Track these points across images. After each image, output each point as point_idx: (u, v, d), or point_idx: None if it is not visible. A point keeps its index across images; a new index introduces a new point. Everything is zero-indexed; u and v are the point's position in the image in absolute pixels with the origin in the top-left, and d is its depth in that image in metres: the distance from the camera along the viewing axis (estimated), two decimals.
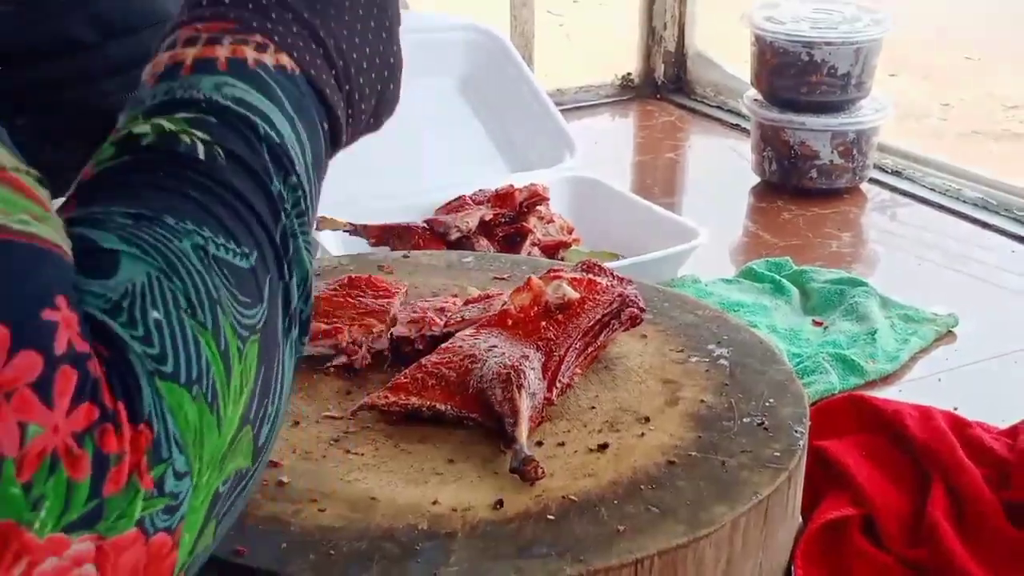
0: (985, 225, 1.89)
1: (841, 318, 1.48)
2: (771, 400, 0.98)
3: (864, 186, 2.02)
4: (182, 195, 0.57)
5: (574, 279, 1.04)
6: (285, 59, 0.64)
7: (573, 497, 0.85)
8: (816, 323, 1.49)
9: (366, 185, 1.64)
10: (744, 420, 0.96)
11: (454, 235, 1.54)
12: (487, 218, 1.57)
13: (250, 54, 0.63)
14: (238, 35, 0.64)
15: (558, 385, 0.96)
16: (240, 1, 0.65)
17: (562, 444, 0.92)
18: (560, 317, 1.00)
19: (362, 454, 0.90)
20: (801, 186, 1.99)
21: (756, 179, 2.07)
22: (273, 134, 0.61)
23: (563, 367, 0.98)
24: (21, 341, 0.47)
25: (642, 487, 0.86)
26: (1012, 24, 4.09)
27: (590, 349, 1.01)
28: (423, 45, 1.99)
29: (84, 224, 0.55)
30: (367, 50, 0.70)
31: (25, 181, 0.50)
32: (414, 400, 0.94)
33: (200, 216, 0.57)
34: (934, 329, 1.47)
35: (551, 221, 1.62)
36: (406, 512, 0.82)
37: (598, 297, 1.02)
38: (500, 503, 0.84)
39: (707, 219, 1.74)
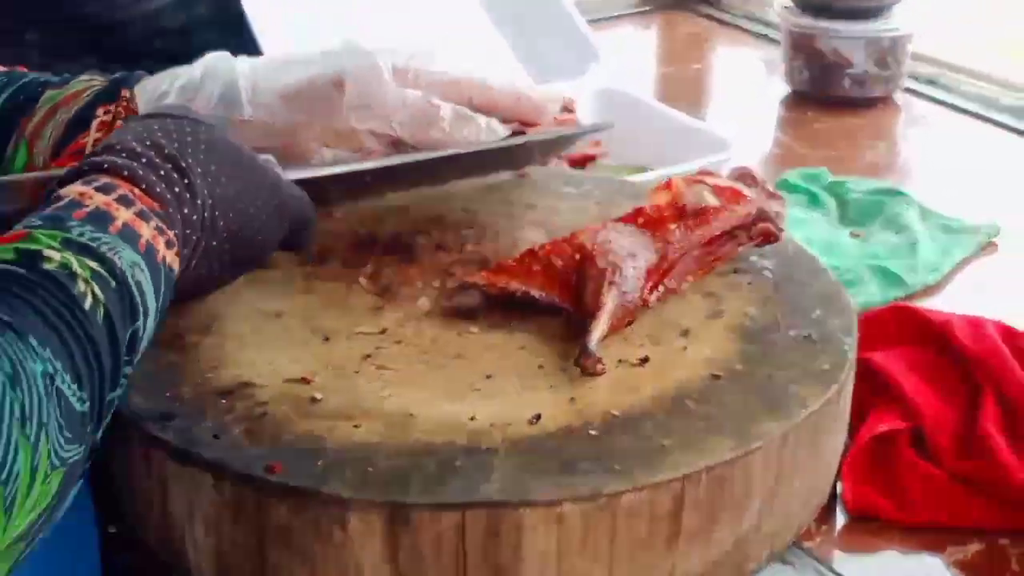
0: (1022, 133, 1.84)
1: (880, 229, 1.44)
2: (818, 312, 0.95)
3: (898, 95, 1.97)
4: (54, 329, 0.64)
5: (718, 186, 1.00)
6: (172, 257, 0.76)
7: (615, 412, 0.82)
8: (854, 234, 1.45)
9: None
10: (791, 333, 0.92)
11: None
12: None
13: (162, 250, 0.74)
14: (160, 222, 0.76)
15: (660, 289, 0.94)
16: (159, 190, 0.77)
17: (604, 358, 0.89)
18: (691, 222, 0.97)
19: (397, 370, 0.87)
20: (834, 96, 1.94)
21: (786, 90, 2.02)
22: (140, 326, 0.71)
23: (673, 271, 0.94)
24: None
25: (687, 401, 0.84)
26: None
27: (710, 258, 0.98)
28: None
29: None
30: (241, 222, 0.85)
31: None
32: (513, 284, 0.93)
33: (59, 353, 0.64)
34: (976, 239, 1.43)
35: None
36: (444, 428, 0.80)
37: (736, 207, 0.99)
38: (539, 417, 0.81)
39: (737, 130, 1.69)
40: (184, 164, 0.79)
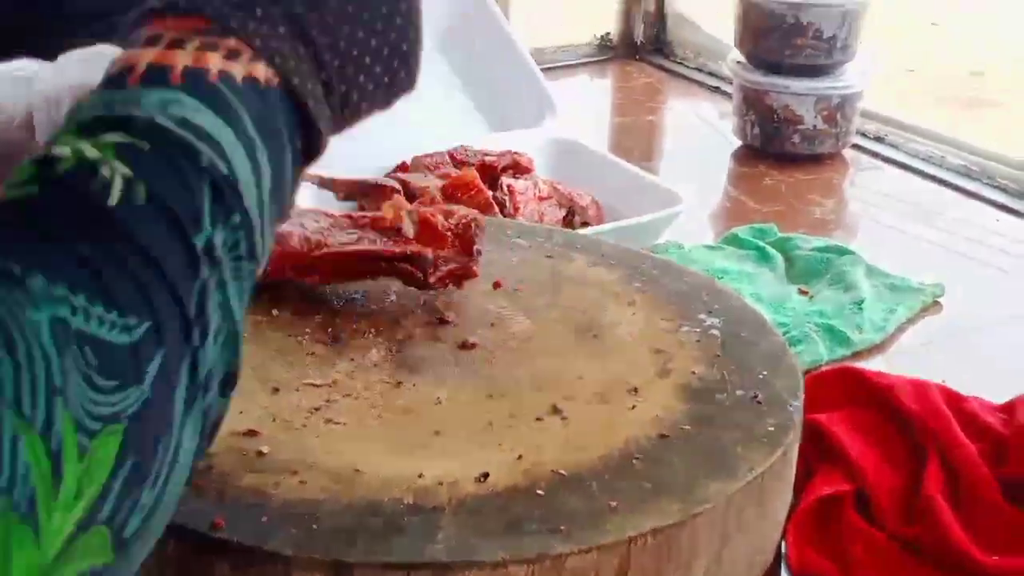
0: (968, 193, 1.87)
1: (827, 287, 1.46)
2: (764, 372, 0.96)
3: (847, 152, 2.00)
4: (70, 251, 0.50)
5: (428, 220, 1.04)
6: (260, 69, 0.57)
7: (563, 471, 0.82)
8: (801, 291, 1.46)
9: (341, 140, 1.60)
10: (737, 393, 0.93)
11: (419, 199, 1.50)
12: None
13: (215, 64, 0.56)
14: (208, 37, 0.57)
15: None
16: (219, 15, 0.58)
17: (552, 413, 0.89)
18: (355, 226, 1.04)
19: (344, 424, 0.86)
20: (783, 151, 1.96)
21: (737, 143, 2.04)
22: (220, 164, 0.54)
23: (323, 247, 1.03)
24: None
25: (634, 461, 0.84)
26: None
27: (350, 261, 1.03)
28: None
29: None
30: (372, 42, 0.63)
31: None
32: None
33: (81, 279, 0.49)
34: (920, 299, 1.45)
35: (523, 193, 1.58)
36: (391, 485, 0.79)
37: (397, 243, 1.03)
38: (486, 476, 0.81)
39: (688, 183, 1.71)
40: None
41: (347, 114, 0.64)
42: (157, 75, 0.55)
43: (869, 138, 2.07)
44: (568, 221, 1.58)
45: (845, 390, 1.07)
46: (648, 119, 2.23)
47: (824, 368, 1.17)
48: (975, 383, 1.22)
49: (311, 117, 0.60)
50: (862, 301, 1.40)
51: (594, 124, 2.19)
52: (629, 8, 2.60)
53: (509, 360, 0.97)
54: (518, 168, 1.61)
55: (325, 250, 1.02)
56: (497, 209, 1.47)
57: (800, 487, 0.97)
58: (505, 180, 1.53)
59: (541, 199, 1.53)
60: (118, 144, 0.52)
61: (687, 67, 2.48)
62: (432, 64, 1.98)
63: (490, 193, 1.48)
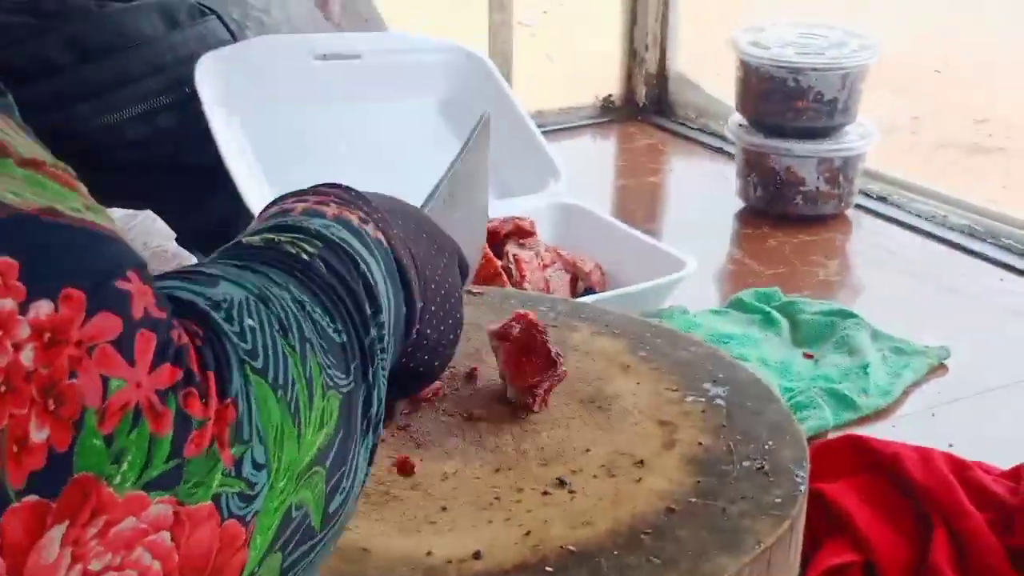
0: (972, 253, 1.87)
1: (832, 351, 1.46)
2: (770, 443, 0.96)
3: (850, 212, 2.01)
4: (286, 272, 0.60)
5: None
6: (382, 237, 0.68)
7: (571, 547, 0.82)
8: (807, 355, 1.47)
9: None
10: (743, 464, 0.93)
11: None
12: None
13: (354, 218, 0.67)
14: (344, 205, 0.69)
15: None
16: (352, 195, 0.70)
17: (559, 487, 0.89)
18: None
19: None
20: (786, 212, 1.97)
21: (740, 204, 2.05)
22: (369, 275, 0.64)
23: None
24: (97, 304, 0.47)
25: (642, 536, 0.84)
26: (981, 37, 4.10)
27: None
28: (405, 67, 1.97)
29: (187, 271, 0.58)
30: (442, 294, 0.75)
31: (67, 175, 0.51)
32: None
33: (301, 287, 0.60)
34: (926, 362, 1.46)
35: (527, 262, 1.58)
36: (399, 564, 0.79)
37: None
38: (495, 553, 0.81)
39: (691, 245, 1.72)
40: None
41: (420, 328, 0.73)
42: (315, 213, 0.67)
43: (872, 198, 2.08)
44: (572, 286, 1.59)
45: (851, 459, 1.08)
46: (651, 180, 2.25)
47: (830, 435, 1.17)
48: (981, 449, 1.22)
49: (413, 292, 0.70)
50: (867, 365, 1.40)
51: (597, 187, 2.21)
52: (631, 70, 2.63)
53: (515, 432, 0.97)
54: (521, 233, 1.62)
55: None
56: (505, 278, 1.47)
57: (807, 557, 0.97)
58: (511, 249, 1.54)
59: (545, 266, 1.54)
60: (298, 237, 0.64)
61: (689, 127, 2.50)
62: (435, 130, 2.01)
63: (499, 263, 1.49)
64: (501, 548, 0.81)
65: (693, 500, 0.88)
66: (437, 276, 0.76)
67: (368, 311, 0.63)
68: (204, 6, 1.82)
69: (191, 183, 1.60)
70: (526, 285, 1.48)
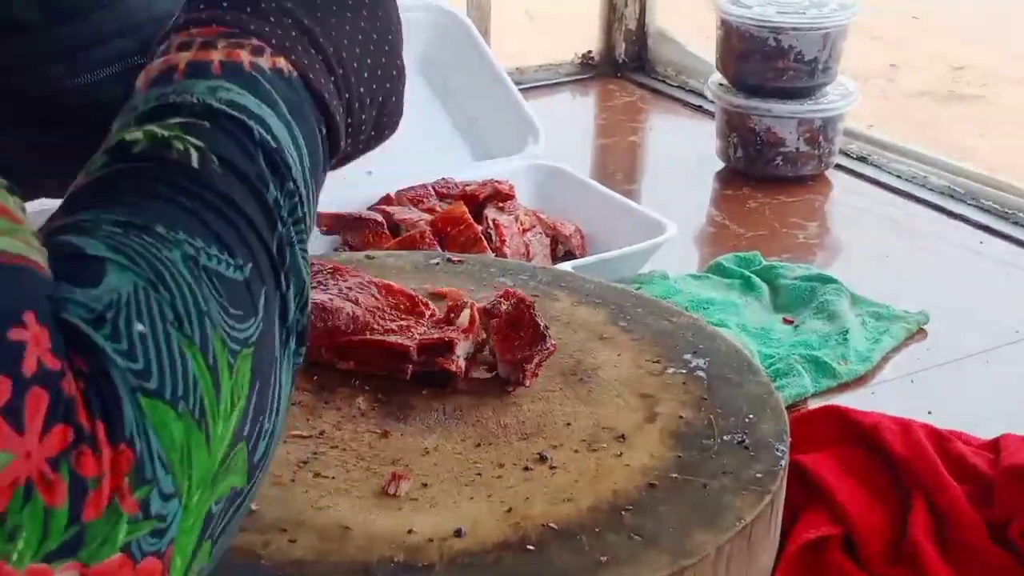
0: (951, 214, 1.87)
1: (812, 316, 1.46)
2: (751, 416, 0.96)
3: (829, 173, 2.00)
4: (174, 204, 0.56)
5: (488, 314, 1.01)
6: (282, 62, 0.63)
7: (553, 525, 0.82)
8: (786, 321, 1.47)
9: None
10: (724, 438, 0.93)
11: (405, 233, 1.50)
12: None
13: (245, 57, 0.62)
14: (233, 39, 0.62)
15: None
16: (237, 4, 0.64)
17: (540, 462, 0.89)
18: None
19: (332, 478, 0.86)
20: (766, 173, 1.97)
21: (720, 164, 2.05)
22: (269, 138, 0.60)
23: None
24: None
25: (623, 513, 0.84)
26: None
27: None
28: None
29: (70, 231, 0.54)
30: (368, 61, 0.68)
31: None
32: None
33: (192, 226, 0.55)
34: (905, 327, 1.46)
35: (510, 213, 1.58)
36: (381, 543, 0.79)
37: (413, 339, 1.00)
38: (477, 531, 0.81)
39: (671, 207, 1.71)
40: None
41: (351, 124, 0.68)
42: (199, 69, 0.61)
43: (852, 158, 2.08)
44: (553, 250, 1.59)
45: (830, 430, 1.08)
46: (631, 139, 2.24)
47: (810, 403, 1.17)
48: (960, 416, 1.23)
49: (329, 109, 0.65)
50: (847, 331, 1.41)
51: (578, 146, 2.19)
52: (610, 26, 2.60)
53: (496, 406, 0.97)
54: (500, 196, 1.61)
55: (365, 336, 0.99)
56: (485, 243, 1.47)
57: (786, 529, 0.97)
58: (490, 214, 1.53)
59: (525, 231, 1.53)
60: (182, 123, 0.58)
61: (669, 85, 2.49)
62: (413, 89, 1.99)
63: (478, 228, 1.48)
64: (483, 525, 0.81)
65: (674, 476, 0.88)
66: (358, 47, 0.68)
67: (272, 195, 0.58)
68: None
69: None
70: (506, 250, 1.48)
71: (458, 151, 1.86)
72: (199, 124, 0.58)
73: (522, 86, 2.31)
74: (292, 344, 0.60)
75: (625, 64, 2.58)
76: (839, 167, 2.02)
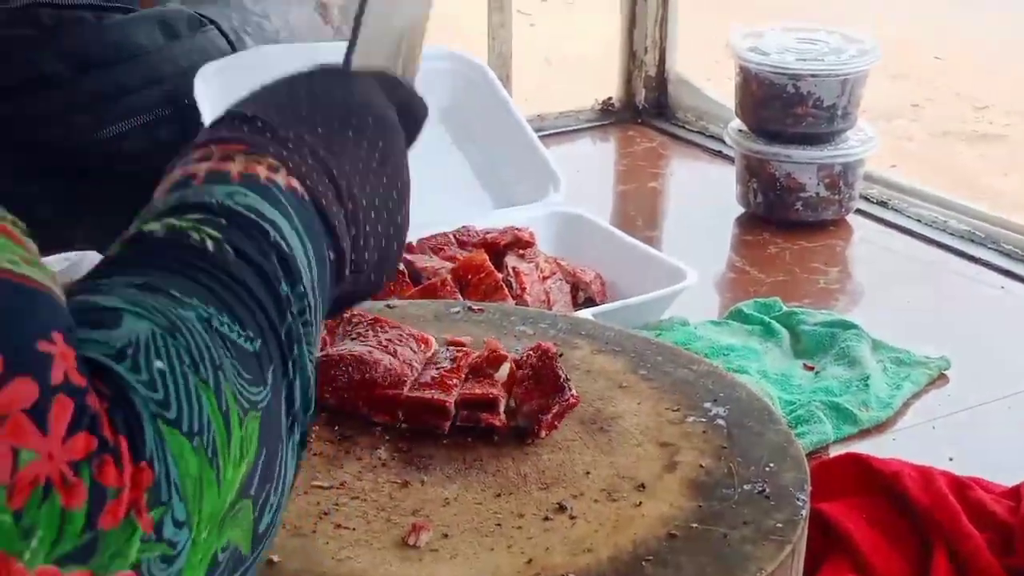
0: (973, 259, 1.87)
1: (833, 362, 1.46)
2: (771, 465, 0.96)
3: (850, 217, 2.00)
4: (189, 277, 0.58)
5: (522, 374, 1.02)
6: (296, 184, 0.65)
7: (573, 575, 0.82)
8: (807, 367, 1.47)
9: None
10: (744, 487, 0.93)
11: (426, 281, 1.51)
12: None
13: (262, 172, 0.64)
14: (251, 155, 0.65)
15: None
16: (258, 129, 0.66)
17: (560, 512, 0.89)
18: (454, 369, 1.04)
19: (353, 529, 0.87)
20: (787, 218, 1.97)
21: (740, 209, 2.05)
22: (282, 243, 0.61)
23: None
24: (15, 368, 0.46)
25: (643, 563, 0.84)
26: (980, 25, 4.09)
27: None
28: None
29: (87, 292, 0.56)
30: (376, 202, 0.71)
31: (13, 230, 0.50)
32: None
33: (206, 296, 0.57)
34: (926, 373, 1.46)
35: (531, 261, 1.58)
36: None
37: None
38: None
39: (692, 252, 1.72)
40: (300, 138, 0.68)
41: (355, 259, 0.69)
42: (218, 176, 0.63)
43: (873, 202, 2.08)
44: (573, 297, 1.59)
45: (851, 478, 1.08)
46: (651, 185, 2.25)
47: (831, 449, 1.17)
48: (982, 462, 1.23)
49: (338, 236, 0.67)
50: (868, 377, 1.40)
51: (598, 192, 2.20)
52: (630, 72, 2.62)
53: (516, 455, 0.97)
54: (520, 244, 1.62)
55: (403, 391, 1.00)
56: (506, 290, 1.48)
57: None
58: (510, 262, 1.54)
59: (545, 278, 1.54)
60: (200, 219, 0.60)
61: (689, 130, 2.49)
62: (434, 137, 2.01)
63: (499, 275, 1.49)
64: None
65: (694, 525, 0.89)
66: (369, 187, 0.70)
67: (284, 290, 0.60)
68: (203, 16, 1.81)
69: None
70: (527, 297, 1.48)
71: (479, 199, 1.87)
72: (216, 220, 0.61)
73: (543, 132, 2.32)
74: (296, 435, 0.61)
75: (645, 110, 2.59)
76: (860, 211, 2.03)
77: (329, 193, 0.67)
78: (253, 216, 0.61)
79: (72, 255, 1.45)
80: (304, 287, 0.62)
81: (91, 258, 1.40)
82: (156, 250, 0.59)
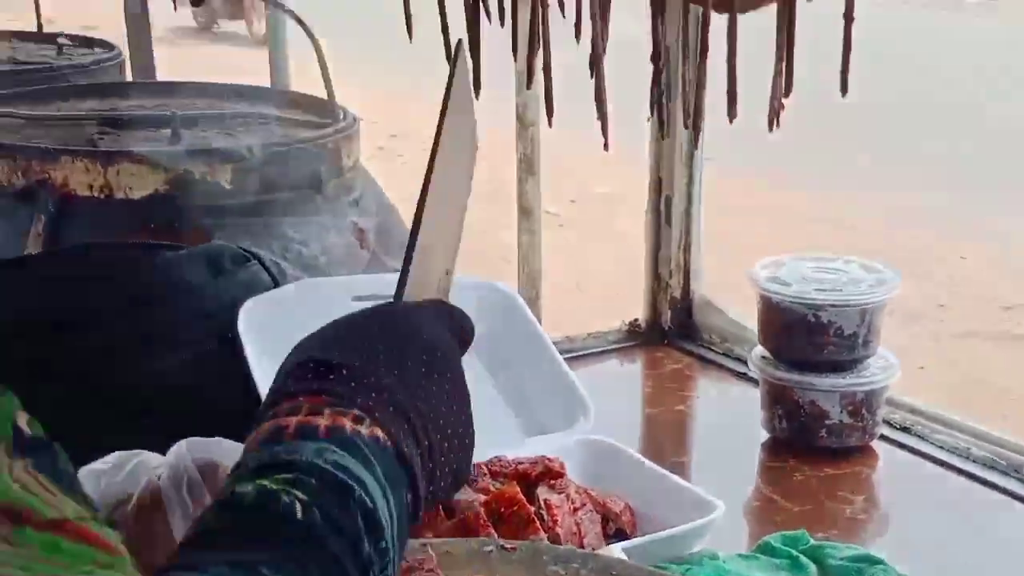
0: (996, 487, 1.89)
1: None
2: None
3: (875, 443, 2.04)
4: (277, 551, 0.63)
5: None
6: (379, 432, 0.71)
7: None
8: None
9: None
10: None
11: (460, 515, 1.54)
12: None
13: (348, 424, 0.70)
14: (338, 407, 0.71)
15: None
16: (342, 379, 0.73)
17: None
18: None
19: None
20: (812, 445, 2.01)
21: (765, 435, 2.09)
22: (367, 499, 0.67)
23: None
24: None
25: None
26: (1005, 223, 4.15)
27: None
28: None
29: (181, 569, 0.61)
30: (448, 431, 0.77)
31: (91, 528, 0.54)
32: None
33: (294, 570, 0.62)
34: None
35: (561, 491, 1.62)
36: None
37: None
38: None
39: (719, 479, 1.75)
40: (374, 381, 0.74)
41: (431, 490, 0.76)
42: (307, 431, 0.69)
43: (896, 428, 2.11)
44: (603, 528, 1.62)
45: None
46: (678, 408, 2.29)
47: None
48: None
49: (417, 479, 0.73)
50: None
51: (627, 415, 2.25)
52: (656, 294, 2.70)
53: None
54: (551, 474, 1.66)
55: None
56: (538, 523, 1.51)
57: None
58: (541, 494, 1.57)
59: (576, 510, 1.57)
60: (290, 479, 0.65)
61: (715, 352, 2.55)
62: (467, 365, 2.05)
63: (531, 508, 1.52)
64: None
65: None
66: (442, 419, 0.76)
67: (367, 550, 0.65)
68: (246, 251, 1.90)
69: (233, 429, 1.65)
70: (558, 530, 1.52)
71: (510, 428, 1.91)
72: (306, 480, 0.66)
73: (571, 354, 2.38)
74: None
75: (671, 331, 2.65)
76: (883, 437, 2.06)
77: (409, 440, 0.73)
78: (340, 475, 0.67)
79: (111, 458, 1.45)
80: (386, 541, 0.68)
81: (142, 459, 1.40)
82: (248, 519, 0.64)
